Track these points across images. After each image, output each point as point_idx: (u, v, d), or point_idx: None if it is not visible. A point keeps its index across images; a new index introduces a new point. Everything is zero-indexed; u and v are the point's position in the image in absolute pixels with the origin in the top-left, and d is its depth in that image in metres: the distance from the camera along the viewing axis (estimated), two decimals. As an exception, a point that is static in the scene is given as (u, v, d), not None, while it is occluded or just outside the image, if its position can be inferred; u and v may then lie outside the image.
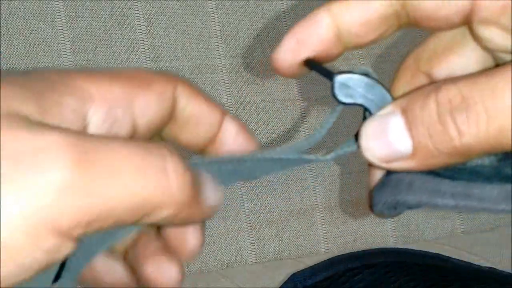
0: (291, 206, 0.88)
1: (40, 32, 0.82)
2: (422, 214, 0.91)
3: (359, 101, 0.33)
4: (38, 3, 0.83)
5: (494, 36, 0.33)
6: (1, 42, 0.81)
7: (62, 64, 0.82)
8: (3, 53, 0.81)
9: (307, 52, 0.34)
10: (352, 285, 0.58)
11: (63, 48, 0.83)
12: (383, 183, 0.34)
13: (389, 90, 0.34)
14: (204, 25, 0.87)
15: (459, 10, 0.33)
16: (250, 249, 0.86)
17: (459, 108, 0.29)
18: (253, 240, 0.86)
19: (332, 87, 0.33)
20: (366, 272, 0.58)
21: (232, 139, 0.36)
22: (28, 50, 0.82)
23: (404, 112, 0.31)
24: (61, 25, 0.83)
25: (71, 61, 0.83)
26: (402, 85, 0.36)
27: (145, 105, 0.33)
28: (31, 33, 0.82)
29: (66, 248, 0.28)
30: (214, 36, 0.87)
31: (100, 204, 0.27)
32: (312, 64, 0.34)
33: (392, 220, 0.90)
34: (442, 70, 0.35)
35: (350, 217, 0.88)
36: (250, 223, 0.86)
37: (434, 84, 0.31)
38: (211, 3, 0.88)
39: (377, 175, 0.35)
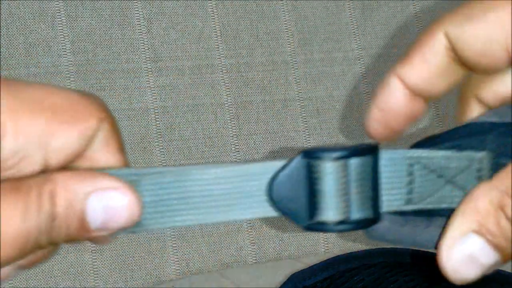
0: (291, 206, 0.88)
1: (40, 32, 0.83)
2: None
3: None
4: (38, 3, 0.83)
5: None
6: (1, 42, 0.81)
7: (62, 64, 0.82)
8: (3, 53, 0.81)
9: (392, 117, 0.37)
10: (351, 285, 0.58)
11: (63, 48, 0.83)
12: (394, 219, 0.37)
13: None
14: (204, 25, 0.87)
15: (504, 56, 0.35)
16: (250, 249, 0.86)
17: None
18: (253, 240, 0.86)
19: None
20: (366, 272, 0.58)
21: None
22: (28, 50, 0.82)
23: (481, 233, 0.33)
24: (61, 25, 0.83)
25: (71, 61, 0.83)
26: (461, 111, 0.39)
27: (64, 143, 0.31)
28: (31, 33, 0.82)
29: None
30: (214, 36, 0.87)
31: None
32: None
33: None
34: (487, 92, 0.38)
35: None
36: (250, 223, 0.86)
37: (494, 192, 0.33)
38: (211, 3, 0.88)
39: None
